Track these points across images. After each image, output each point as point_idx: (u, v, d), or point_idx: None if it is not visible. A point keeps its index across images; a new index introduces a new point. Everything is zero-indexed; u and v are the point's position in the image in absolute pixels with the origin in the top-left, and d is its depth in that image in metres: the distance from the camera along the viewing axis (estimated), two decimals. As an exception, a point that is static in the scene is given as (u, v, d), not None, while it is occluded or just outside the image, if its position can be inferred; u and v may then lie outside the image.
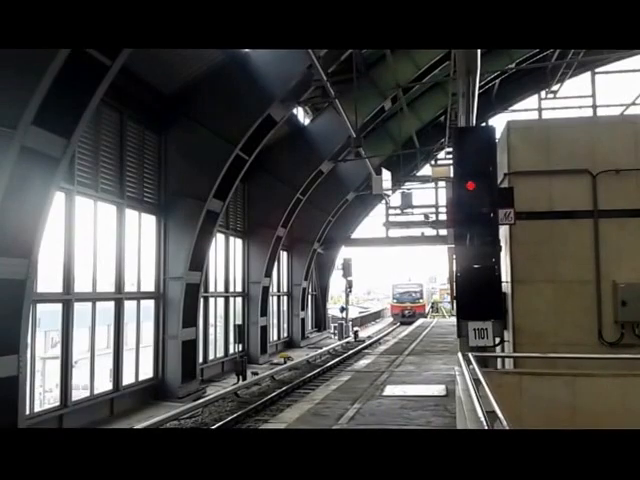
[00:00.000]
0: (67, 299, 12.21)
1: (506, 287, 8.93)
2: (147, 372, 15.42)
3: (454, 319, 9.46)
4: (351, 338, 32.09)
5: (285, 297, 29.19)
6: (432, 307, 64.44)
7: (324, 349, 26.37)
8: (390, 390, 10.88)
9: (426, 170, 30.64)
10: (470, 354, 6.78)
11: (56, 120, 9.39)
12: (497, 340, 7.93)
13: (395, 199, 26.67)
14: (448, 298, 49.22)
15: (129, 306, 14.58)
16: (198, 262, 16.36)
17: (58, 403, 11.96)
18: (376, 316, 54.62)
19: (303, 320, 29.90)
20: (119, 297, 14.14)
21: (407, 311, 47.54)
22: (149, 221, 15.75)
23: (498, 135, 9.04)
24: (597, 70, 23.76)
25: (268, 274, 23.77)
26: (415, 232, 29.57)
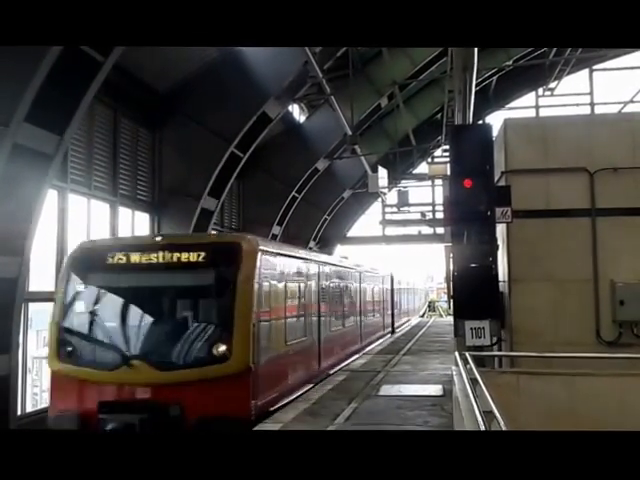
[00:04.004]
0: (60, 298, 11.99)
1: (503, 286, 8.89)
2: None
3: (451, 318, 9.42)
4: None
5: (281, 295, 28.87)
6: (429, 306, 64.10)
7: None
8: (386, 390, 10.81)
9: (423, 168, 30.57)
10: (467, 353, 6.74)
11: (49, 117, 9.31)
12: (494, 339, 7.90)
13: (391, 197, 26.60)
14: (445, 297, 48.58)
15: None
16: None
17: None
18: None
19: (298, 318, 29.62)
20: (113, 296, 13.91)
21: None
22: (143, 219, 15.63)
23: (495, 133, 9.00)
24: (595, 67, 23.71)
25: (264, 272, 23.59)
26: (412, 230, 29.50)
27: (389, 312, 25.79)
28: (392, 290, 26.83)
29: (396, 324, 27.64)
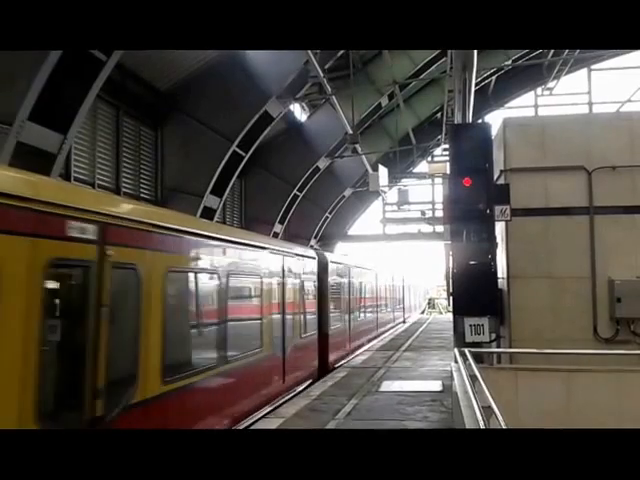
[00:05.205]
0: (63, 295, 12.05)
1: (502, 283, 8.97)
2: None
3: (450, 315, 9.49)
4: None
5: (281, 293, 28.73)
6: (429, 303, 64.23)
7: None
8: (387, 386, 10.91)
9: (423, 167, 30.66)
10: (466, 350, 6.83)
11: (52, 116, 9.35)
12: (493, 336, 7.98)
13: (392, 195, 26.67)
14: (445, 294, 48.51)
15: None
16: (194, 258, 16.25)
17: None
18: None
19: (299, 316, 29.49)
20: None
21: None
22: (145, 217, 15.66)
23: (494, 132, 9.08)
24: (593, 67, 23.79)
25: (265, 270, 23.55)
26: (412, 228, 29.55)
27: (312, 335, 12.96)
28: (324, 290, 14.73)
29: (343, 351, 16.23)
